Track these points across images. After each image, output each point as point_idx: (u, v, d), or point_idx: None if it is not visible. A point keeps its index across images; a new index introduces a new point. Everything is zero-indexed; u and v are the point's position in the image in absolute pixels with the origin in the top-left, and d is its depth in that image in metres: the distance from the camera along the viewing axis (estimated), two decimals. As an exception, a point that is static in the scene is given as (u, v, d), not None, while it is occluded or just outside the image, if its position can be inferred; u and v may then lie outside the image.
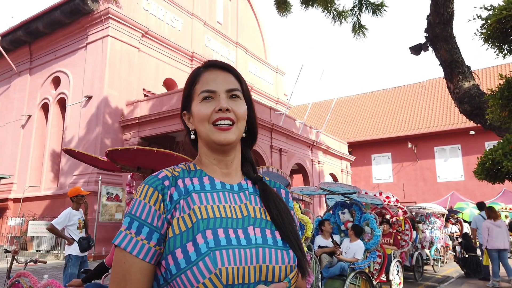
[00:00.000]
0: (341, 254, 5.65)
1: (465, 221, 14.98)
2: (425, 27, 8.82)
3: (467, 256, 9.20)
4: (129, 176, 3.82)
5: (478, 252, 9.56)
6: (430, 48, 8.97)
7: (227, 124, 0.91)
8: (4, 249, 3.67)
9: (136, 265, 0.82)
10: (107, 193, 12.74)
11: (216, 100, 0.93)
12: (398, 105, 27.45)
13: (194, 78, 1.01)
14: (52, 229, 5.25)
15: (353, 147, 25.26)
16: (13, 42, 17.22)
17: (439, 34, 8.68)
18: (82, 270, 3.33)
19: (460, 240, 10.88)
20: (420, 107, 26.18)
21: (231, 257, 0.81)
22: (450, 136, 23.20)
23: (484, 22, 4.28)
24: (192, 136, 1.01)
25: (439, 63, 8.92)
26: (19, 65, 17.84)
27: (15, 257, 3.50)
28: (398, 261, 7.19)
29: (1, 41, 17.06)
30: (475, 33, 4.36)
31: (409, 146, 23.39)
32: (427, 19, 8.85)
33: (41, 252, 12.98)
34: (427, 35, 8.99)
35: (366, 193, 6.33)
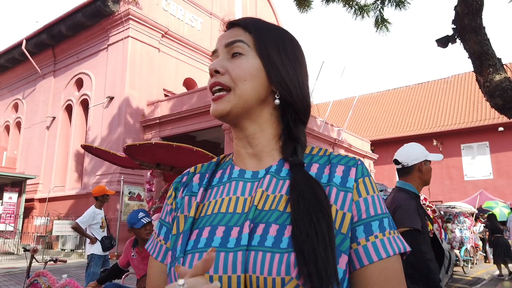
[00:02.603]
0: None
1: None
2: (453, 18, 8.47)
3: (493, 238, 9.14)
4: (148, 173, 3.73)
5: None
6: (458, 40, 8.62)
7: (217, 91, 0.72)
8: (23, 248, 3.64)
9: (154, 267, 0.77)
10: (129, 193, 12.84)
11: None
12: (422, 102, 26.73)
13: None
14: (76, 228, 5.25)
15: (376, 145, 24.72)
16: (38, 46, 17.61)
17: (467, 25, 8.29)
18: (102, 270, 3.25)
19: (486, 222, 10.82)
20: (445, 103, 25.41)
21: None
22: (477, 133, 22.40)
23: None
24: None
25: (467, 55, 8.55)
26: (43, 67, 18.24)
27: (34, 256, 3.47)
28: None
29: (26, 45, 17.48)
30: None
31: (435, 143, 22.71)
32: (454, 9, 8.48)
33: (65, 251, 13.19)
34: (454, 26, 8.61)
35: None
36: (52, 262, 3.51)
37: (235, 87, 0.71)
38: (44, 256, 11.25)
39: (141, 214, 2.81)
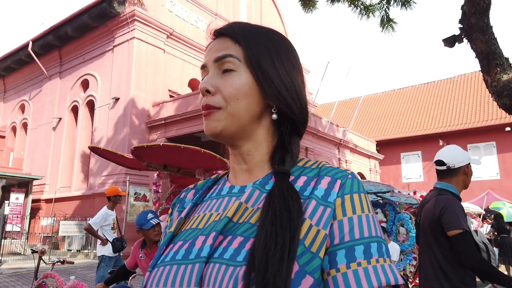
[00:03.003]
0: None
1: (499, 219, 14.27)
2: (459, 17, 8.41)
3: (499, 238, 9.06)
4: (155, 174, 3.73)
5: None
6: (465, 40, 8.56)
7: (208, 109, 0.68)
8: (31, 249, 3.65)
9: None
10: (135, 193, 12.85)
11: None
12: (428, 102, 26.59)
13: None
14: (89, 229, 5.27)
15: (381, 145, 24.63)
16: (44, 47, 17.71)
17: (474, 25, 8.22)
18: (109, 271, 3.26)
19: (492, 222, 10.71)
20: (451, 103, 25.26)
21: (164, 276, 0.61)
22: (484, 133, 22.25)
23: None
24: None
25: (474, 55, 8.48)
26: (49, 69, 18.35)
27: (42, 258, 3.48)
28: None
29: (32, 46, 17.59)
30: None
31: (441, 143, 22.57)
32: (461, 9, 8.40)
33: (72, 251, 13.25)
34: (461, 26, 8.53)
35: (399, 192, 6.04)
36: (59, 263, 3.52)
37: (227, 106, 0.67)
38: (50, 257, 11.31)
39: (150, 215, 2.81)
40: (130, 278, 3.21)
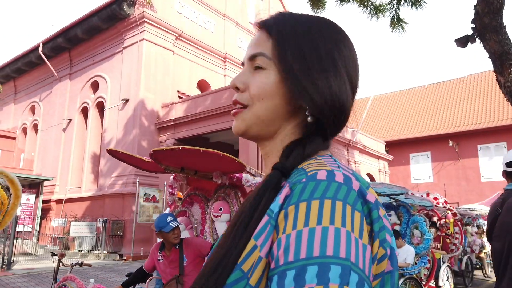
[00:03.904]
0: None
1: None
2: (472, 17, 8.33)
3: None
4: (171, 177, 3.74)
5: None
6: (477, 40, 8.47)
7: (237, 108, 0.66)
8: (51, 252, 3.69)
9: None
10: (145, 194, 12.92)
11: None
12: (437, 102, 26.36)
13: None
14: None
15: (390, 146, 24.47)
16: (54, 49, 17.88)
17: (488, 25, 8.13)
18: (126, 274, 3.27)
19: None
20: (461, 103, 25.02)
21: None
22: (495, 134, 22.00)
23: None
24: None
25: (487, 55, 8.40)
26: (59, 70, 18.51)
27: (61, 260, 3.51)
28: (447, 266, 6.78)
29: (42, 48, 17.76)
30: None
31: (450, 144, 22.38)
32: (474, 9, 8.31)
33: (82, 252, 13.34)
34: (474, 26, 8.45)
35: (411, 193, 5.99)
36: (77, 266, 3.55)
37: (252, 105, 0.64)
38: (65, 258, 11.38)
39: (169, 218, 2.81)
40: (148, 280, 3.21)
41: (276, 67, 0.63)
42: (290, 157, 0.60)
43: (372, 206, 0.52)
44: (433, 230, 7.04)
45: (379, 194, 5.92)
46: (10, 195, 2.85)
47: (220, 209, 3.38)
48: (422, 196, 6.33)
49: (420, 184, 23.83)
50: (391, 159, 21.58)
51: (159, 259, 2.98)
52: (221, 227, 3.44)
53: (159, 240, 3.12)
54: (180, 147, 2.65)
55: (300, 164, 0.59)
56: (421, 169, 24.53)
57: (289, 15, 0.68)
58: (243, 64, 0.70)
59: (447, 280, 6.74)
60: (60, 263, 3.47)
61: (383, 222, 0.53)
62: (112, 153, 3.23)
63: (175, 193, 3.84)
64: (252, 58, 0.66)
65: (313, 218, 0.47)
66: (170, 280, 2.81)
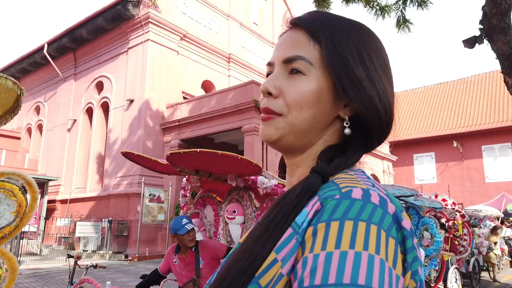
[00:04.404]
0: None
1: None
2: (480, 18, 8.31)
3: None
4: (184, 179, 3.74)
5: None
6: (485, 41, 8.45)
7: (267, 114, 0.60)
8: (68, 254, 3.70)
9: None
10: (150, 195, 12.93)
11: None
12: (441, 103, 26.30)
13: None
14: None
15: (394, 146, 24.42)
16: (59, 49, 17.92)
17: (495, 26, 8.10)
18: (140, 276, 3.27)
19: None
20: (465, 104, 24.96)
21: None
22: (499, 134, 21.94)
23: None
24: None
25: (495, 56, 8.38)
26: (64, 71, 18.56)
27: (77, 263, 3.52)
28: (456, 268, 6.76)
29: (47, 49, 17.81)
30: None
31: (455, 145, 22.33)
32: (482, 9, 8.28)
33: (87, 252, 13.37)
34: (482, 27, 8.44)
35: (419, 195, 5.98)
36: (92, 268, 3.55)
37: (287, 114, 0.58)
38: (68, 259, 11.40)
39: (184, 221, 2.81)
40: (162, 282, 3.22)
41: (327, 72, 0.57)
42: (331, 163, 0.56)
43: (407, 234, 0.48)
44: (442, 232, 7.03)
45: (388, 196, 5.89)
46: (27, 197, 2.86)
47: (234, 211, 3.38)
48: (430, 197, 6.31)
49: (424, 185, 23.79)
50: (395, 160, 21.54)
51: (175, 262, 2.98)
52: (235, 229, 3.44)
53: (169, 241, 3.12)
54: (198, 150, 2.65)
55: (338, 172, 0.55)
56: (425, 169, 24.48)
57: (329, 16, 0.62)
58: (270, 64, 0.63)
59: (456, 282, 6.72)
60: (76, 265, 3.48)
61: (417, 252, 0.49)
62: (127, 155, 3.23)
63: (188, 195, 3.84)
64: (288, 61, 0.59)
65: (346, 240, 0.43)
66: (187, 283, 2.81)
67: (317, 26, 0.59)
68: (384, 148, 20.53)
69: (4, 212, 2.74)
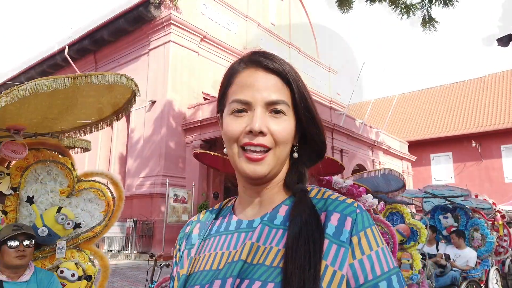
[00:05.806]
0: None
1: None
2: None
3: None
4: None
5: None
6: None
7: (259, 152, 0.68)
8: (150, 253, 3.74)
9: None
10: (174, 195, 13.00)
11: (250, 115, 0.69)
12: (458, 102, 26.08)
13: (228, 77, 0.75)
14: None
15: (411, 146, 24.28)
16: (80, 51, 18.09)
17: (531, 24, 8.12)
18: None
19: None
20: (483, 103, 24.72)
21: None
22: (519, 134, 21.71)
23: None
24: (225, 150, 0.74)
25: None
26: (85, 72, 18.70)
27: (158, 262, 3.56)
28: (496, 269, 6.71)
29: (68, 51, 17.98)
30: None
31: (473, 145, 22.12)
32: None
33: (112, 251, 13.48)
34: (516, 26, 8.44)
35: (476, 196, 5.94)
36: (165, 267, 3.59)
37: (275, 149, 0.69)
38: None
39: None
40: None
41: (293, 111, 0.71)
42: (301, 183, 0.73)
43: None
44: (494, 233, 6.94)
45: (434, 196, 5.89)
46: (114, 197, 2.90)
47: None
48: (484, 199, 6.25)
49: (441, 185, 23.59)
50: (414, 160, 21.40)
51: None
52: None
53: None
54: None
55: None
56: (442, 169, 24.29)
57: (288, 63, 0.74)
58: (241, 102, 0.70)
59: (496, 283, 6.67)
60: (156, 264, 3.52)
61: None
62: (200, 156, 3.24)
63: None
64: (272, 103, 0.69)
65: (378, 240, 0.63)
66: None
67: (287, 74, 0.71)
68: (403, 148, 20.42)
69: (94, 211, 2.80)
